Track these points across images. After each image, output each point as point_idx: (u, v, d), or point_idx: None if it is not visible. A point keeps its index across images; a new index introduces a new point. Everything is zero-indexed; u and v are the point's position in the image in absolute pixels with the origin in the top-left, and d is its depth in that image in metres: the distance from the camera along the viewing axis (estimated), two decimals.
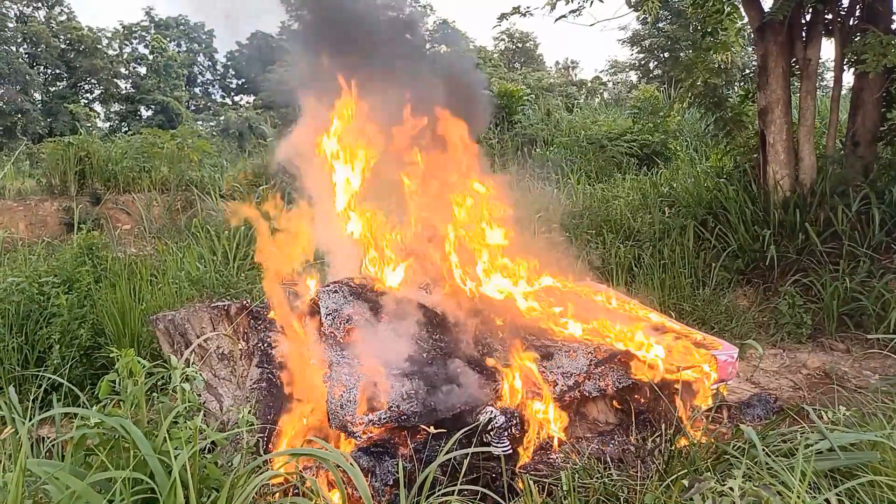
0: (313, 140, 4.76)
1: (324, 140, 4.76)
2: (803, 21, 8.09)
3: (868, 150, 8.08)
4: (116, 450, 2.37)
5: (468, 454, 2.96)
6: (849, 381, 5.55)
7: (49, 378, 4.17)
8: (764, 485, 2.09)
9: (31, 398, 3.75)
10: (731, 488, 2.00)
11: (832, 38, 8.20)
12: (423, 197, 4.91)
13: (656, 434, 3.53)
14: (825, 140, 8.65)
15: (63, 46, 39.06)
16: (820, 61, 8.38)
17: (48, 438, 3.40)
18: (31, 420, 2.40)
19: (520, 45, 50.39)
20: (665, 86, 19.47)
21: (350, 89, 4.70)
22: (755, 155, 8.71)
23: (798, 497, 2.25)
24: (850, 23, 8.04)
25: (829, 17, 8.11)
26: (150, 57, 42.94)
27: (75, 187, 12.30)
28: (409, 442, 3.45)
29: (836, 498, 2.51)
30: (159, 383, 2.74)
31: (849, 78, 8.98)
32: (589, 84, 41.27)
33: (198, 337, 4.24)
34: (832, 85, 8.60)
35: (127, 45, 43.99)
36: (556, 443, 3.72)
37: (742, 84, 13.76)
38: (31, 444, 3.10)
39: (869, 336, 6.34)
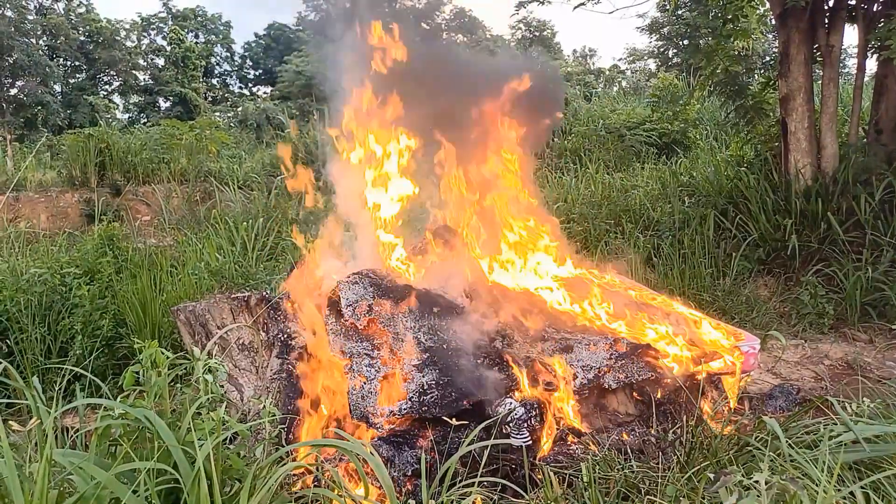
0: (341, 127, 4.76)
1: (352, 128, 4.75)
2: (826, 7, 7.97)
3: (891, 138, 7.96)
4: (140, 440, 2.39)
5: (488, 446, 2.95)
6: (872, 372, 5.50)
7: (71, 368, 4.21)
8: (791, 478, 2.07)
9: (55, 388, 3.79)
10: (757, 481, 1.98)
11: (855, 25, 8.08)
12: (448, 186, 4.91)
13: (677, 425, 3.52)
14: (847, 128, 8.53)
15: (82, 38, 39.30)
16: (843, 48, 8.26)
17: (72, 429, 3.43)
18: (55, 411, 2.42)
19: (537, 33, 50.06)
20: (684, 74, 19.29)
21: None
22: (776, 143, 8.62)
23: (825, 491, 2.23)
24: (874, 8, 7.92)
25: (853, 2, 7.99)
26: (168, 48, 43.12)
27: (95, 179, 12.39)
28: (428, 433, 3.45)
29: (860, 491, 2.48)
30: (181, 374, 2.76)
31: (872, 65, 8.88)
32: (607, 72, 41.00)
33: (218, 328, 4.27)
34: (855, 72, 8.49)
35: (145, 36, 44.20)
36: (575, 434, 3.72)
37: (763, 72, 13.57)
38: (56, 435, 3.13)
39: (893, 326, 6.26)
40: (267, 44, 47.87)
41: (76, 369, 3.11)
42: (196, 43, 45.71)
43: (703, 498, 2.60)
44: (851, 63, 17.03)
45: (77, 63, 39.88)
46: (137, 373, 2.53)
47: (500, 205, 5.06)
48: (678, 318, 4.64)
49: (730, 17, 8.85)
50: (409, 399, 3.52)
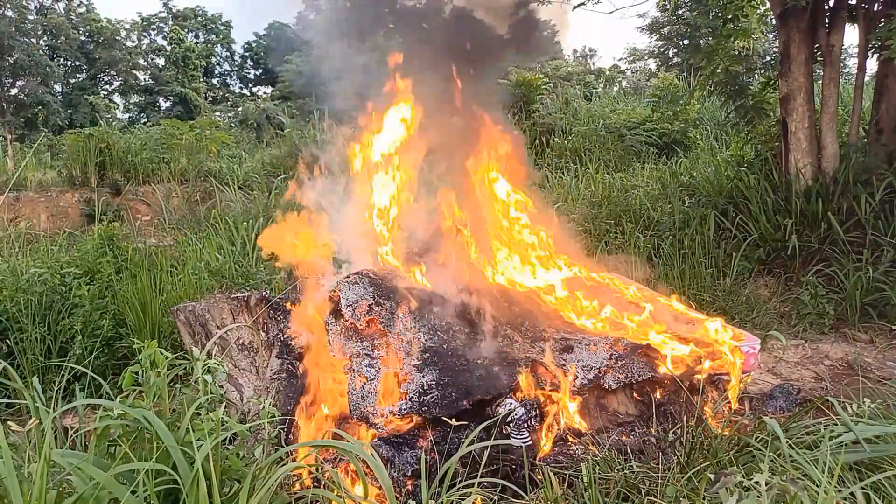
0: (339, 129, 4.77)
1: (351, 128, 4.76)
2: (826, 7, 7.96)
3: (892, 138, 7.95)
4: (139, 441, 2.38)
5: (488, 446, 2.94)
6: (872, 372, 5.49)
7: (71, 368, 4.21)
8: (792, 479, 2.06)
9: (55, 388, 3.78)
10: (757, 482, 1.98)
11: (856, 24, 8.07)
12: (447, 184, 4.90)
13: (677, 426, 3.51)
14: (848, 128, 8.52)
15: (83, 38, 39.23)
16: (843, 48, 8.25)
17: (72, 429, 3.42)
18: (55, 411, 2.42)
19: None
20: (684, 74, 19.26)
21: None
22: (777, 143, 8.61)
23: (825, 492, 2.22)
24: (875, 8, 7.91)
25: (853, 2, 7.98)
26: (168, 48, 43.10)
27: (96, 178, 12.38)
28: (428, 433, 3.45)
29: (861, 491, 2.47)
30: (181, 374, 2.75)
31: (873, 64, 8.87)
32: (607, 72, 40.93)
33: (218, 328, 4.26)
34: (855, 72, 8.48)
35: (145, 36, 44.12)
36: (575, 434, 3.71)
37: (763, 71, 13.54)
38: (55, 435, 3.13)
39: (893, 326, 6.26)
40: (267, 43, 47.81)
41: (77, 367, 3.11)
42: (196, 43, 45.65)
43: (704, 498, 2.60)
44: (852, 63, 17.01)
45: (77, 63, 39.81)
46: (137, 373, 2.52)
47: (499, 204, 5.06)
48: (679, 317, 4.63)
49: (730, 16, 8.83)
50: (409, 399, 3.52)
